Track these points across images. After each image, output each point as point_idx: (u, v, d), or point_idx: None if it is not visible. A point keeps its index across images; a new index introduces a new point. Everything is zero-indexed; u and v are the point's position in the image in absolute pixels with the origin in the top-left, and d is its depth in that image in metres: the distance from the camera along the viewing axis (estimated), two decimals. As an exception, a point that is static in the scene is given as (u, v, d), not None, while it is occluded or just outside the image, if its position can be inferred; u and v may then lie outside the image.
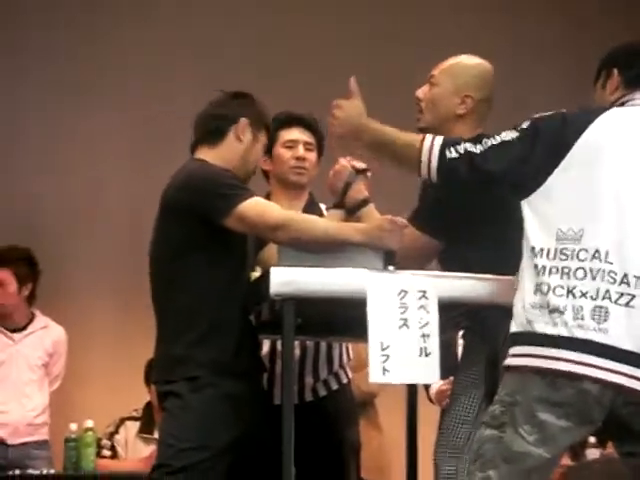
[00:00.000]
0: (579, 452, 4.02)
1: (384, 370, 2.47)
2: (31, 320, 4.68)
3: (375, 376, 2.48)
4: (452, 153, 2.32)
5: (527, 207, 2.27)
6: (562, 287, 2.17)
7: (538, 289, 2.19)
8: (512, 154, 2.27)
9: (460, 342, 2.99)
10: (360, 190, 2.91)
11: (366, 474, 4.25)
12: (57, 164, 5.29)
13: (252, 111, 2.88)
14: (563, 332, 2.14)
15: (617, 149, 2.23)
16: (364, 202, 2.90)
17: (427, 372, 2.51)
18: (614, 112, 2.29)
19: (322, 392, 3.16)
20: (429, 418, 3.44)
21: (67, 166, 5.30)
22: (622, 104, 2.33)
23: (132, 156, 5.32)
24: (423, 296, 2.52)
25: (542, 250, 2.21)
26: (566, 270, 2.18)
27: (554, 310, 2.16)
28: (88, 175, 5.30)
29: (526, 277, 2.23)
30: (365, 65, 5.56)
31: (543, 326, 2.17)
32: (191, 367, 2.71)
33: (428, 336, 2.50)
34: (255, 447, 2.78)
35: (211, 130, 2.86)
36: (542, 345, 2.16)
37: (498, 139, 2.30)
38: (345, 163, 2.93)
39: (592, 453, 3.86)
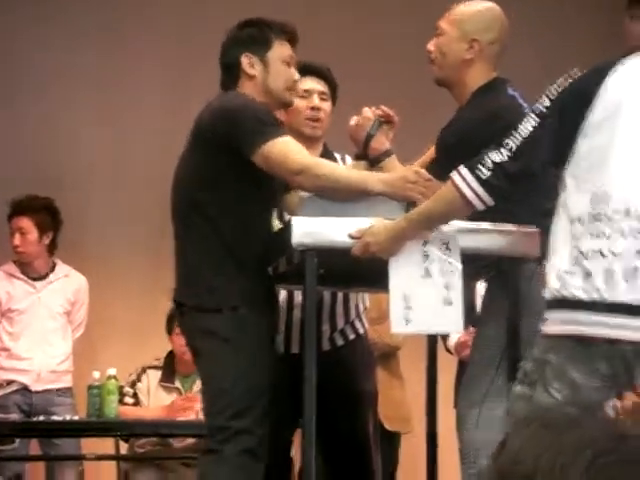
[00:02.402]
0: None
1: (406, 320, 2.48)
2: (52, 269, 4.71)
3: (397, 326, 2.49)
4: (484, 173, 2.27)
5: (565, 176, 2.23)
6: (594, 250, 2.15)
7: (574, 257, 2.17)
8: (539, 144, 2.24)
9: (480, 293, 2.99)
10: (382, 141, 2.90)
11: (389, 424, 4.29)
12: (81, 115, 5.28)
13: (249, 39, 2.83)
14: (595, 296, 2.13)
15: (636, 104, 2.19)
16: (386, 153, 2.89)
17: (450, 322, 2.52)
18: (633, 63, 2.23)
19: (339, 341, 3.17)
20: (448, 368, 3.45)
21: (91, 117, 5.29)
22: None
23: (158, 107, 5.30)
24: (446, 246, 2.52)
25: (579, 218, 2.19)
26: (596, 232, 2.15)
27: (586, 274, 2.14)
28: (112, 125, 5.29)
29: (561, 245, 2.20)
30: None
31: (575, 291, 2.15)
32: (224, 297, 2.69)
33: (451, 286, 2.50)
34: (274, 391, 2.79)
35: (225, 83, 2.86)
36: (575, 310, 2.15)
37: (518, 136, 2.25)
38: (368, 114, 2.91)
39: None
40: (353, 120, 2.95)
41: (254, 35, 2.84)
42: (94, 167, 5.29)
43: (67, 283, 4.72)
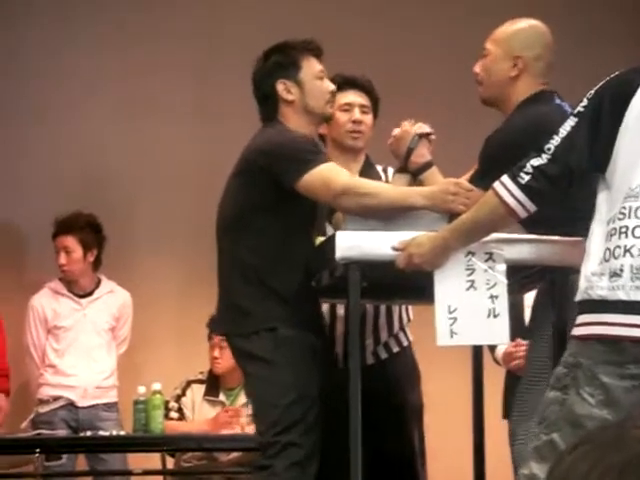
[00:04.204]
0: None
1: (452, 333, 2.47)
2: (97, 285, 4.75)
3: (443, 339, 2.48)
4: (524, 178, 2.25)
5: (602, 179, 2.22)
6: (619, 247, 2.12)
7: (602, 257, 2.15)
8: (578, 144, 2.22)
9: (527, 304, 2.98)
10: (422, 154, 2.91)
11: None
12: (120, 130, 5.33)
13: (278, 67, 2.85)
14: (621, 296, 2.10)
15: None
16: (427, 165, 2.89)
17: (496, 333, 2.51)
18: None
19: (383, 355, 3.16)
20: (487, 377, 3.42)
21: (130, 131, 5.33)
22: None
23: (196, 119, 5.33)
24: (490, 258, 2.51)
25: (612, 219, 2.17)
26: (624, 229, 2.13)
27: (613, 274, 2.12)
28: (152, 140, 5.33)
29: (594, 248, 2.19)
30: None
31: (601, 292, 2.13)
32: (261, 320, 2.73)
33: (496, 297, 2.48)
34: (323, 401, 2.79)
35: (265, 114, 2.89)
36: (601, 312, 2.13)
37: (558, 138, 2.24)
38: (407, 127, 2.92)
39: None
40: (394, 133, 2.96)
41: (281, 61, 2.86)
42: (134, 183, 5.32)
43: (112, 299, 4.76)
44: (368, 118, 3.18)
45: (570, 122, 2.24)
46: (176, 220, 5.27)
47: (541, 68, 2.73)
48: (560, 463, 0.93)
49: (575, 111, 2.25)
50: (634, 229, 2.12)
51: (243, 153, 2.83)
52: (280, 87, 2.84)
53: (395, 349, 3.17)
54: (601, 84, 2.25)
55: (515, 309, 2.83)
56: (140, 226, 5.29)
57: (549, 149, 2.24)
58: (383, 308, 3.17)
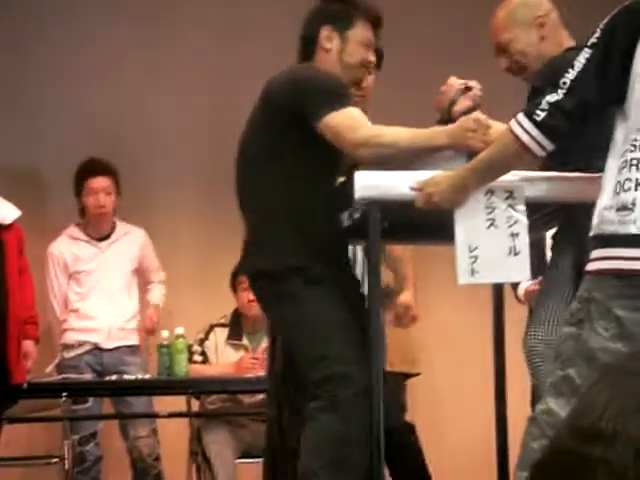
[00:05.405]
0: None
1: (473, 271, 2.47)
2: (113, 229, 4.76)
3: (463, 278, 2.48)
4: (540, 115, 2.22)
5: (619, 111, 2.20)
6: (630, 180, 2.10)
7: (614, 190, 2.13)
8: (592, 76, 2.18)
9: (549, 242, 2.98)
10: (464, 104, 2.88)
11: (389, 365, 4.10)
12: (136, 77, 5.32)
13: (332, 14, 2.82)
14: (632, 230, 2.09)
15: None
16: (471, 110, 2.87)
17: (517, 270, 2.51)
18: None
19: None
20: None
21: (148, 80, 5.32)
22: None
23: (213, 68, 5.31)
24: (510, 196, 2.50)
25: (623, 152, 2.14)
26: (634, 162, 2.11)
27: (623, 207, 2.10)
28: (169, 88, 5.31)
29: (608, 183, 2.17)
30: None
31: (612, 226, 2.12)
32: (289, 260, 2.70)
33: (517, 235, 2.48)
34: None
35: (301, 53, 2.86)
36: (613, 246, 2.12)
37: (572, 72, 2.20)
38: (452, 82, 2.89)
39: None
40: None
41: (338, 10, 2.83)
42: (154, 129, 5.32)
43: (129, 240, 4.76)
44: (371, 78, 3.16)
45: (584, 54, 2.21)
46: (196, 164, 5.27)
47: (557, 19, 2.76)
48: (581, 400, 0.93)
49: (589, 43, 2.22)
50: None
51: (267, 88, 2.77)
52: (323, 33, 2.81)
53: None
54: (613, 14, 2.21)
55: (538, 247, 2.83)
56: (160, 172, 5.30)
57: (564, 83, 2.21)
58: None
